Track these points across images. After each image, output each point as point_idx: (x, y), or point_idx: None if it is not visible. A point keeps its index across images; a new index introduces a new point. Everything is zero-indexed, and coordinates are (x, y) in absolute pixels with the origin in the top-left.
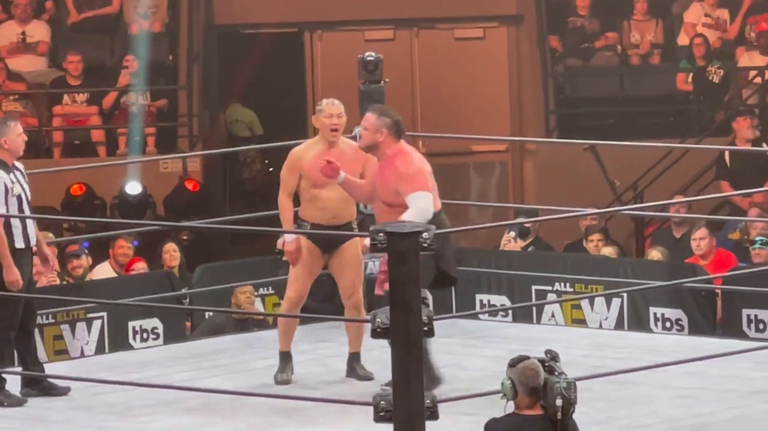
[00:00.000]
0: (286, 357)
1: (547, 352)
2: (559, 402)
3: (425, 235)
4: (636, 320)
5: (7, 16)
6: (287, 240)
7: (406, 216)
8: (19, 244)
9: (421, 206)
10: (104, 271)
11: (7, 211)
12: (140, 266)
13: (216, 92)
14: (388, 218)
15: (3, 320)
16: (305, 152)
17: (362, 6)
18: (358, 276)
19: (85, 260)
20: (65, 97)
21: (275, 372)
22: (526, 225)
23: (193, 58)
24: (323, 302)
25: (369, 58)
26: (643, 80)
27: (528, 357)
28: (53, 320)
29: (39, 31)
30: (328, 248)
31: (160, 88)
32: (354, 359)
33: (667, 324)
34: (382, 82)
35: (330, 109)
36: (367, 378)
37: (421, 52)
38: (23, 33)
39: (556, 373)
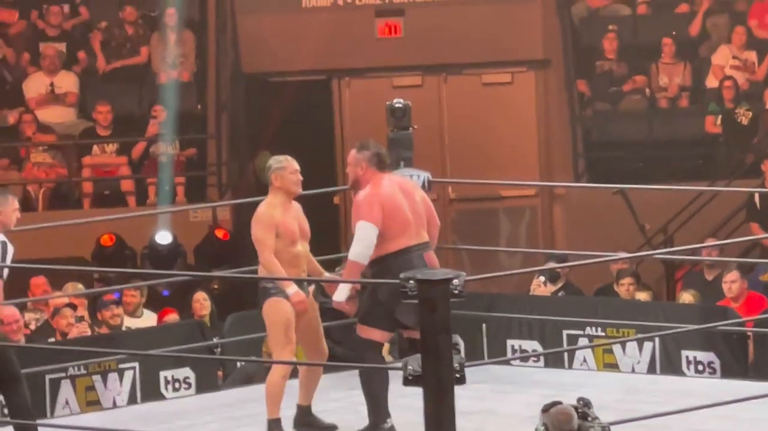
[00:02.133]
0: (277, 424)
1: (580, 400)
2: None
3: (456, 281)
4: (668, 363)
5: (36, 68)
6: (293, 292)
7: (350, 251)
8: None
9: (359, 235)
10: (135, 321)
11: None
12: (172, 317)
13: (245, 140)
14: None
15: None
16: (274, 210)
17: (390, 53)
18: (322, 334)
19: (121, 310)
20: (95, 147)
21: None
22: (556, 270)
23: (222, 106)
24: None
25: (397, 105)
26: (671, 123)
27: (561, 403)
28: (85, 371)
29: (67, 82)
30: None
31: (189, 138)
32: (307, 412)
33: (700, 367)
34: (410, 128)
35: (293, 164)
36: (333, 427)
37: (449, 98)
38: (52, 84)
39: (590, 418)
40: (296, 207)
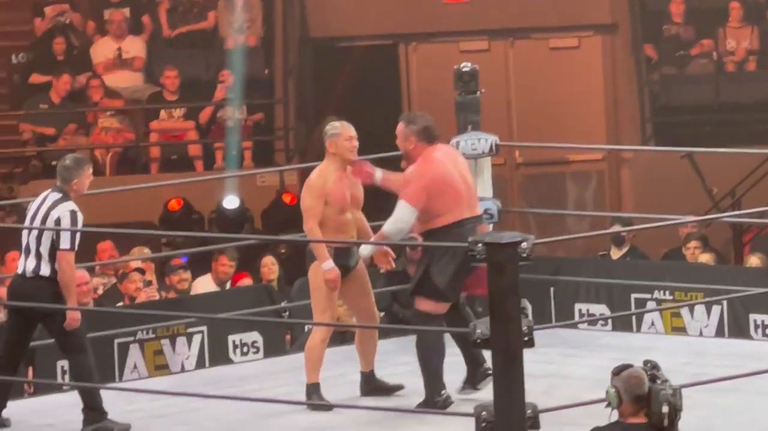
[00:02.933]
0: (316, 388)
1: (647, 362)
2: (665, 409)
3: (524, 245)
4: (736, 327)
5: (102, 33)
6: (328, 268)
7: (384, 226)
8: None
9: (396, 215)
10: (204, 285)
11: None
12: (246, 282)
13: (312, 105)
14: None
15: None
16: (326, 178)
17: (457, 17)
18: (372, 300)
19: (188, 274)
20: (162, 112)
21: (313, 400)
22: (621, 234)
23: (289, 71)
24: None
25: (465, 69)
26: (738, 87)
27: (631, 365)
28: (153, 336)
29: (135, 47)
30: (344, 273)
31: (256, 102)
32: (371, 377)
33: None
34: (478, 92)
35: (349, 131)
36: (399, 387)
37: (516, 63)
38: (119, 49)
39: (660, 381)
40: (350, 173)
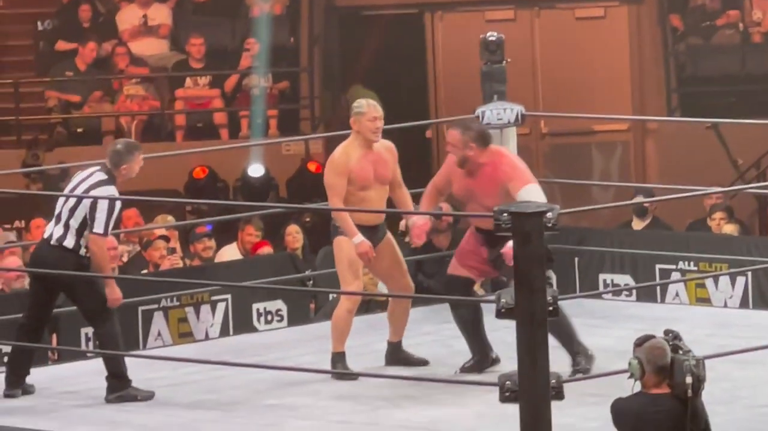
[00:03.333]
0: (341, 357)
1: (668, 332)
2: (688, 379)
3: (549, 215)
4: (761, 298)
5: (128, 0)
6: (358, 242)
7: None
8: None
9: (533, 197)
10: (230, 253)
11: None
12: (266, 250)
13: (337, 74)
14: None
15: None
16: (349, 155)
17: None
18: (404, 269)
19: (213, 242)
20: (187, 80)
21: (338, 370)
22: (643, 205)
23: (315, 40)
24: None
25: (491, 39)
26: (765, 58)
27: (654, 336)
28: (178, 303)
29: (160, 14)
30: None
31: (281, 71)
32: (398, 347)
33: None
34: (503, 62)
35: (373, 111)
36: (424, 361)
37: (541, 32)
38: (145, 16)
39: (682, 351)
40: (380, 149)
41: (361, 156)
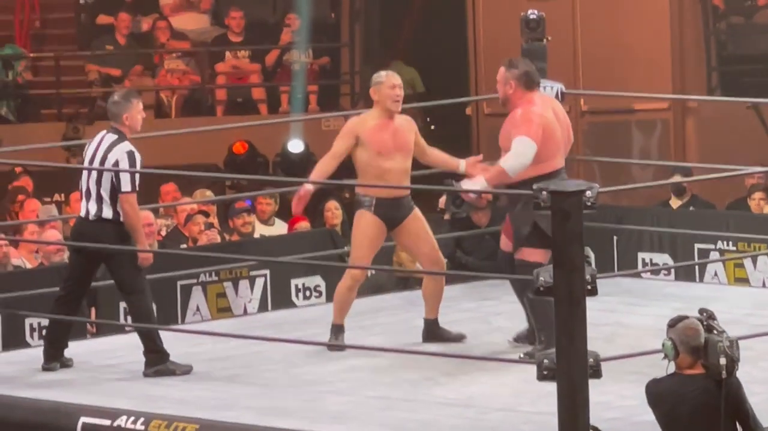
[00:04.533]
0: (339, 330)
1: (702, 311)
2: (723, 360)
3: (588, 193)
4: None
5: None
6: (306, 187)
7: (502, 161)
8: None
9: (518, 150)
10: (271, 229)
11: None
12: (303, 225)
13: (378, 49)
14: None
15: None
16: (364, 121)
17: None
18: (434, 244)
19: (252, 217)
20: (227, 54)
21: (330, 341)
22: (681, 184)
23: (355, 15)
24: (486, 260)
25: (532, 16)
26: None
27: (687, 317)
28: (216, 278)
29: None
30: (393, 224)
31: (322, 46)
32: (435, 324)
33: None
34: (544, 40)
35: (393, 80)
36: (461, 336)
37: (582, 11)
38: None
39: (716, 331)
40: (400, 122)
41: (378, 124)
